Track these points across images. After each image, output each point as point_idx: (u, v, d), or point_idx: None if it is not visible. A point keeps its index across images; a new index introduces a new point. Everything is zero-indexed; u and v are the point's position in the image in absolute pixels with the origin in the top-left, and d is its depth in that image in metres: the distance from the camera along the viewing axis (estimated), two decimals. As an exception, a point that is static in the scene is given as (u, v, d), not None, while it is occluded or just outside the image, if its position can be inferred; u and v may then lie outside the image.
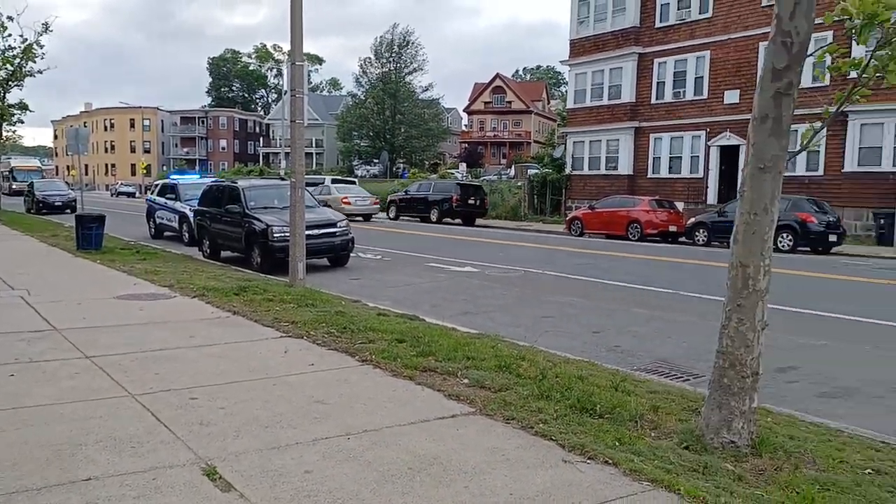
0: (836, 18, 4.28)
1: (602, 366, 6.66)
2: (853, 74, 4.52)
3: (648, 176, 33.19)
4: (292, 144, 12.13)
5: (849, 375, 6.96)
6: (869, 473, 4.18)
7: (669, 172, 32.44)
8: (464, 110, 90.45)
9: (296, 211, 11.77)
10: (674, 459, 4.23)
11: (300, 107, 11.91)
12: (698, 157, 31.18)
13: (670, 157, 32.41)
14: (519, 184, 41.77)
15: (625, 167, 33.96)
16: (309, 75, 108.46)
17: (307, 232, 12.43)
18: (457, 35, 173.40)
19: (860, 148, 25.62)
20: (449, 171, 62.94)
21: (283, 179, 18.48)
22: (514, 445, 4.49)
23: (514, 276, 14.36)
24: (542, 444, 4.50)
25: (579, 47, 35.78)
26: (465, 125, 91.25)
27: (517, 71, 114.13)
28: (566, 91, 46.39)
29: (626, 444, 4.48)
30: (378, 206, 35.37)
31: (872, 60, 4.16)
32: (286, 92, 12.62)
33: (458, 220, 34.48)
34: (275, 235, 14.07)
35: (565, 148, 38.29)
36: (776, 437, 4.60)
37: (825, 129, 4.61)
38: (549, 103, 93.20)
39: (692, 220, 25.58)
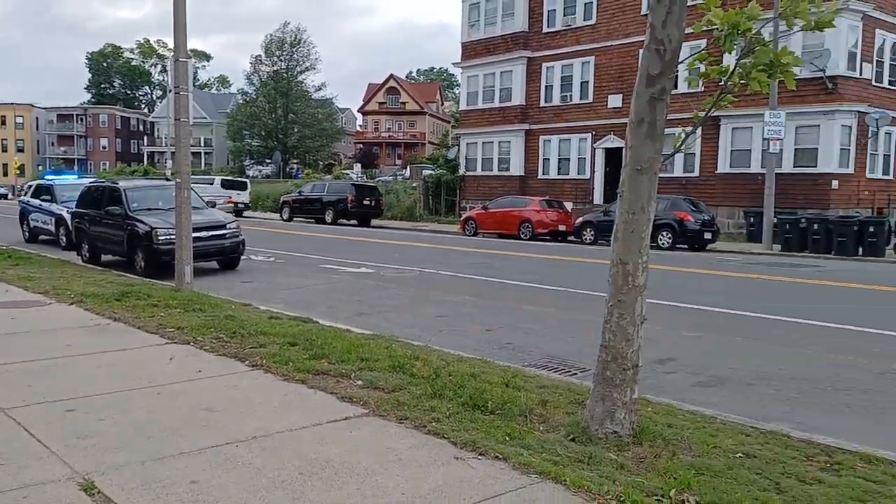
0: (705, 28, 4.54)
1: (494, 363, 6.77)
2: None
3: (539, 177, 34.10)
4: (177, 143, 11.70)
5: (722, 365, 7.39)
6: (739, 457, 4.44)
7: (558, 173, 33.45)
8: (358, 110, 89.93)
9: (182, 212, 11.36)
10: (561, 451, 4.36)
11: (185, 104, 11.50)
12: (585, 158, 32.33)
13: (559, 159, 33.44)
14: (414, 184, 41.96)
15: (516, 168, 34.74)
16: (196, 72, 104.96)
17: (194, 234, 12.04)
18: (350, 35, 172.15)
19: (731, 151, 27.27)
20: (344, 171, 62.47)
21: (168, 180, 17.81)
22: (407, 445, 4.50)
23: (409, 277, 14.41)
24: (434, 443, 4.54)
25: (471, 50, 36.32)
26: (360, 125, 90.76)
27: (411, 72, 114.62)
28: (459, 93, 46.96)
29: (516, 438, 4.59)
30: (232, 204, 34.55)
31: (737, 68, 4.45)
32: (171, 89, 12.16)
33: (353, 221, 34.28)
34: (159, 238, 13.54)
35: (459, 149, 38.77)
36: (656, 426, 4.82)
37: (698, 132, 4.88)
38: (442, 105, 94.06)
39: (580, 219, 26.48)
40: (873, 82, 26.31)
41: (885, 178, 27.34)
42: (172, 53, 11.78)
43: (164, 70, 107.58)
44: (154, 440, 4.52)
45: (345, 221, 34.17)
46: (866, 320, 9.82)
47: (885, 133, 26.73)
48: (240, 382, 5.93)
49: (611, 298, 4.70)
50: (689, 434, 4.78)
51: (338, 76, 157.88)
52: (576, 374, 6.84)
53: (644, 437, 4.63)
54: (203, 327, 7.90)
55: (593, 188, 31.96)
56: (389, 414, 5.07)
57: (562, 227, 26.87)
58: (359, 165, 65.18)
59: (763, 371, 7.15)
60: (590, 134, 31.85)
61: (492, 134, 35.57)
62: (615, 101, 30.41)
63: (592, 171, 32.00)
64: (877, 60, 26.52)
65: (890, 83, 27.27)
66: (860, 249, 20.90)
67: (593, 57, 31.57)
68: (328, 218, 34.16)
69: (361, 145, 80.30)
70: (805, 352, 8.06)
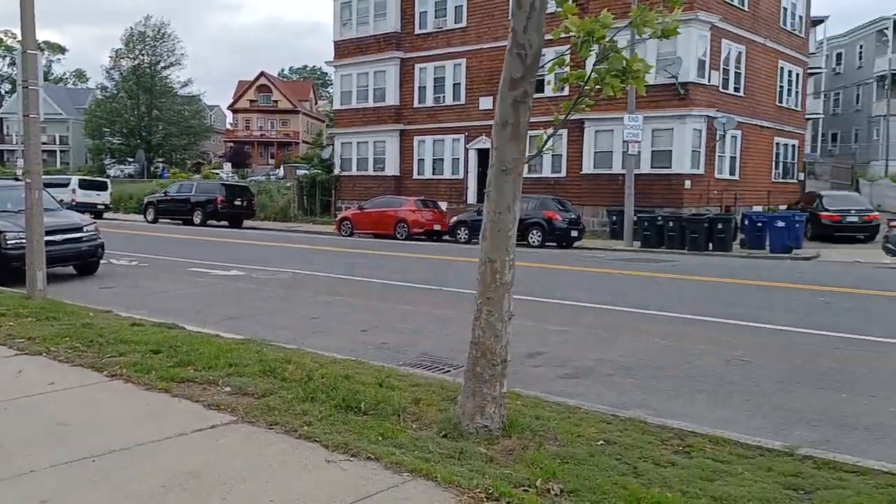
0: (564, 35, 4.73)
1: (369, 363, 6.76)
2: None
3: (414, 177, 34.31)
4: (26, 141, 10.89)
5: (586, 357, 7.73)
6: (601, 444, 4.67)
7: (433, 174, 33.79)
8: (228, 108, 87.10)
9: (33, 214, 10.59)
10: (433, 448, 4.42)
11: (34, 100, 10.73)
12: (459, 159, 32.83)
13: (433, 159, 33.79)
14: (288, 184, 41.19)
15: (392, 168, 34.79)
16: (49, 65, 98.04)
17: (48, 238, 11.23)
18: (220, 32, 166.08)
19: (595, 152, 28.50)
20: (213, 171, 60.39)
21: (17, 180, 16.57)
22: (277, 451, 4.42)
23: (282, 278, 14.12)
24: (305, 447, 4.48)
25: (343, 49, 36.04)
26: (230, 124, 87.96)
27: (283, 70, 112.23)
28: (333, 92, 46.51)
29: (389, 438, 4.60)
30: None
31: (593, 73, 4.67)
32: (20, 84, 11.31)
33: (224, 223, 33.25)
34: (8, 243, 12.58)
35: (333, 148, 38.39)
36: (524, 418, 4.98)
37: (559, 134, 5.07)
38: (316, 103, 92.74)
39: (454, 219, 26.87)
40: (720, 89, 28.28)
41: (732, 178, 29.46)
42: (21, 45, 10.96)
43: (12, 63, 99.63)
44: (0, 460, 4.20)
45: (214, 223, 33.07)
46: (715, 311, 10.57)
47: (731, 136, 28.79)
48: (97, 394, 5.62)
49: (480, 296, 4.81)
50: (555, 425, 4.96)
51: (207, 73, 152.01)
52: (449, 371, 6.95)
53: (513, 429, 4.76)
54: (57, 337, 7.42)
55: (467, 188, 32.51)
56: (259, 420, 4.96)
57: (437, 227, 27.17)
58: (229, 165, 63.23)
59: (624, 361, 7.54)
60: (463, 135, 32.37)
61: (366, 134, 35.45)
62: (486, 103, 31.03)
63: (466, 172, 32.55)
64: (723, 68, 28.53)
65: (735, 90, 29.42)
66: (710, 245, 22.41)
67: (465, 59, 32.11)
68: (196, 219, 32.94)
69: (232, 144, 77.85)
70: (661, 341, 8.57)
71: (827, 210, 26.75)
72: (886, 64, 48.76)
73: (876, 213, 27.36)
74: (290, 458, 4.31)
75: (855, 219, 26.41)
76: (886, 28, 50.37)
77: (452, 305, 10.92)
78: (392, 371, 6.45)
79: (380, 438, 4.58)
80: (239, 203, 33.74)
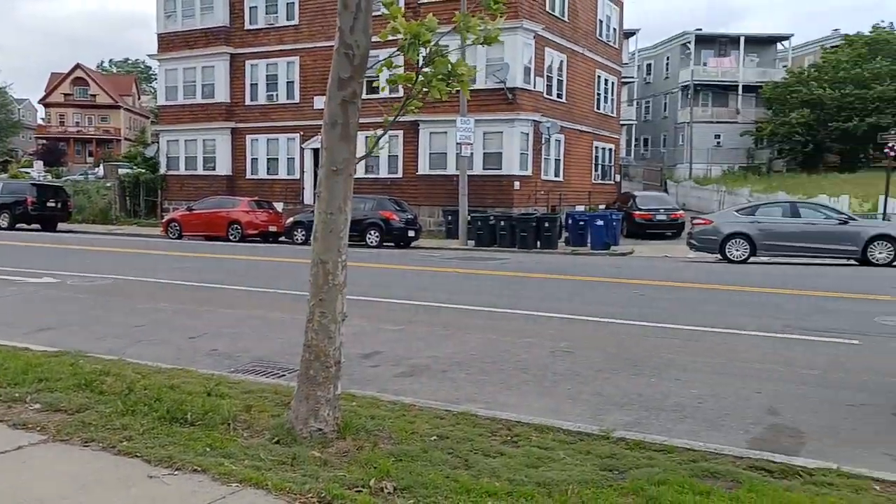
0: (391, 37, 4.78)
1: (197, 371, 6.50)
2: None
3: (248, 177, 33.30)
4: None
5: (421, 355, 7.86)
6: (434, 440, 4.76)
7: (268, 173, 32.97)
8: (39, 102, 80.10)
9: None
10: (264, 456, 4.31)
11: None
12: (294, 158, 32.25)
13: (268, 159, 32.98)
14: (109, 184, 38.66)
15: (223, 168, 33.57)
16: None
17: None
18: (33, 19, 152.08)
19: (430, 154, 29.04)
20: (23, 169, 55.43)
21: None
22: (94, 469, 4.13)
23: (102, 285, 13.18)
24: (125, 463, 4.22)
25: (168, 42, 34.30)
26: (42, 119, 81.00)
27: (103, 63, 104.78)
28: (157, 87, 44.17)
29: (218, 448, 4.44)
30: None
31: (420, 76, 4.75)
32: None
33: (35, 226, 30.68)
34: None
35: (159, 147, 36.39)
36: (359, 419, 4.98)
37: (395, 135, 5.11)
38: (140, 99, 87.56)
39: (290, 219, 26.39)
40: (545, 95, 29.76)
41: (557, 179, 31.13)
42: None
43: None
44: None
45: (25, 226, 30.41)
46: (542, 305, 11.12)
47: (556, 140, 30.41)
48: None
49: (312, 298, 4.75)
50: (391, 423, 5.01)
51: (18, 64, 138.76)
52: (284, 375, 6.81)
53: (348, 431, 4.75)
54: None
55: (303, 188, 31.99)
56: (73, 437, 4.61)
57: (273, 228, 26.58)
58: (41, 163, 58.23)
59: (457, 357, 7.74)
60: (298, 134, 31.82)
61: (195, 131, 33.94)
62: (321, 102, 30.34)
63: (302, 172, 32.04)
64: (547, 75, 30.04)
65: (558, 96, 31.08)
66: (538, 243, 23.52)
67: (298, 57, 31.56)
68: (3, 222, 30.19)
69: (44, 141, 71.71)
70: (492, 336, 8.87)
71: (640, 209, 28.98)
72: (689, 75, 53.52)
73: (682, 211, 30.08)
74: (107, 476, 4.04)
75: (664, 217, 28.85)
76: (689, 42, 55.30)
77: (287, 308, 10.69)
78: (222, 378, 6.23)
79: (207, 449, 4.41)
80: (52, 204, 31.27)
